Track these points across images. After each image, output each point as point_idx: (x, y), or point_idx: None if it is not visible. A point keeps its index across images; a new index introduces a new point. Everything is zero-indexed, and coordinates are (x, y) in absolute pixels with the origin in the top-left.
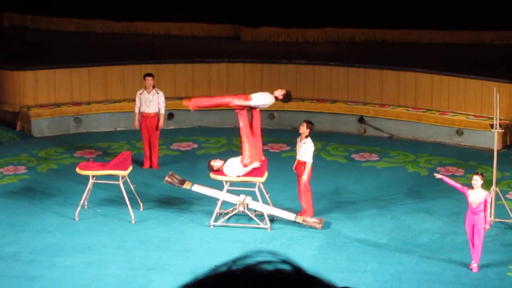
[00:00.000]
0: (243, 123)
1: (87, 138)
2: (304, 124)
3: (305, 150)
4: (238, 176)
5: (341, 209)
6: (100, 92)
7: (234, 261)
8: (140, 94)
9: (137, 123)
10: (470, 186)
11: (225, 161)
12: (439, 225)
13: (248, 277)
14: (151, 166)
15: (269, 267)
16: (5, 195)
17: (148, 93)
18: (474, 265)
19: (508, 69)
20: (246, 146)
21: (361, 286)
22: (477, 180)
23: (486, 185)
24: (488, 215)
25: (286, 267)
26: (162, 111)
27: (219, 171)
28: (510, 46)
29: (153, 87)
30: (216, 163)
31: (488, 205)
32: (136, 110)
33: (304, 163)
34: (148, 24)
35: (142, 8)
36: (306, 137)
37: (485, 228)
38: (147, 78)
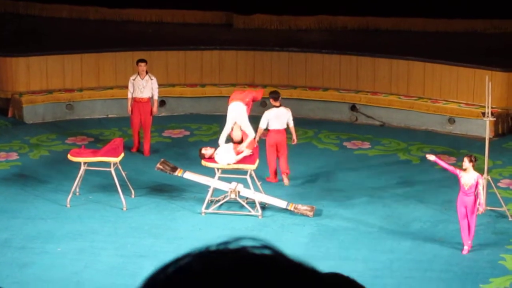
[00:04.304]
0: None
1: (79, 125)
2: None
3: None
4: (229, 164)
5: (333, 197)
6: (92, 79)
7: (215, 245)
8: (133, 79)
9: (130, 108)
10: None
11: (216, 149)
12: (430, 213)
13: (229, 259)
14: (140, 151)
15: (251, 251)
16: None
17: (142, 79)
18: (468, 242)
19: (500, 58)
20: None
21: (352, 273)
22: (468, 162)
23: (478, 172)
24: (482, 198)
25: (267, 252)
26: (156, 97)
27: (210, 158)
28: (503, 34)
29: (146, 72)
30: (207, 151)
31: (480, 187)
32: (129, 96)
33: (283, 131)
34: (141, 11)
35: None
36: (278, 107)
37: (479, 211)
38: (140, 64)
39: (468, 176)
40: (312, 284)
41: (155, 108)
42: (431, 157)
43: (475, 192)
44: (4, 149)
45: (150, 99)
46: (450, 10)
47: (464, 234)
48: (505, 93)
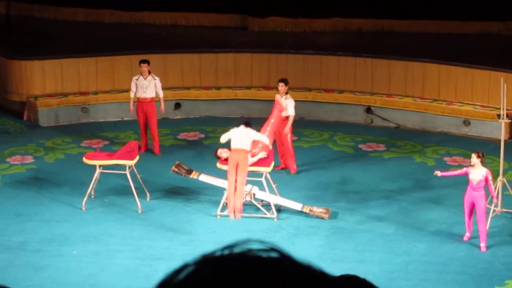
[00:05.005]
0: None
1: (94, 128)
2: (281, 84)
3: (289, 104)
4: None
5: (348, 199)
6: (107, 82)
7: (222, 249)
8: (136, 79)
9: (132, 108)
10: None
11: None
12: (446, 215)
13: (237, 263)
14: (151, 151)
15: (258, 254)
16: (12, 185)
17: (145, 79)
18: (482, 245)
19: None
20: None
21: (368, 276)
22: (476, 158)
23: (493, 175)
24: (494, 192)
25: (275, 254)
26: (161, 95)
27: (226, 160)
28: None
29: (149, 72)
30: (222, 154)
31: (490, 182)
32: (131, 95)
33: (287, 118)
34: (155, 14)
35: None
36: (286, 93)
37: (495, 210)
38: (142, 64)
39: (477, 172)
40: (321, 286)
41: (162, 106)
42: (438, 174)
43: (485, 188)
44: (19, 152)
45: (154, 99)
46: (463, 12)
47: (467, 222)
48: None
